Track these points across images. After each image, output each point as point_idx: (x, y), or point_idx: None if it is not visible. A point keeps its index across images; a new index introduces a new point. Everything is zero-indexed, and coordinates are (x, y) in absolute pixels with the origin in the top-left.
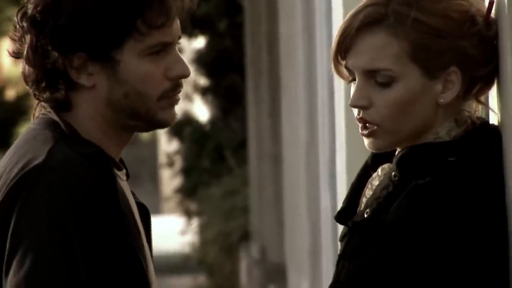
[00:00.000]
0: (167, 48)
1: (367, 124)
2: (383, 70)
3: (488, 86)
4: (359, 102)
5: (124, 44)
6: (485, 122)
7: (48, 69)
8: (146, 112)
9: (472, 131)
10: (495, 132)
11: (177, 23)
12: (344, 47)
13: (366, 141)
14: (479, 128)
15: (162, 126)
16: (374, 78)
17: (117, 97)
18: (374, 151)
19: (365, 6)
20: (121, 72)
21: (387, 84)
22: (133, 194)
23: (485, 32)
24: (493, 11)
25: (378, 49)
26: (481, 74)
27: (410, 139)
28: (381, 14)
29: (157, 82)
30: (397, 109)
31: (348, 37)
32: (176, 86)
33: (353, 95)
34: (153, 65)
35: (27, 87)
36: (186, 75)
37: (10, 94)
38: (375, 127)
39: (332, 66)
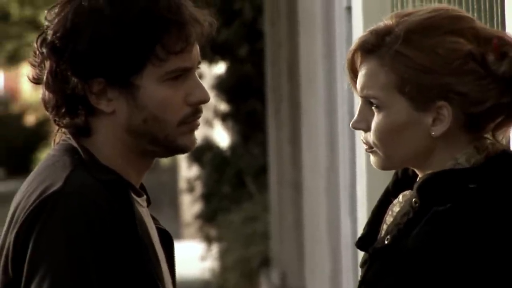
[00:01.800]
0: (186, 73)
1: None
2: (372, 97)
3: (508, 122)
4: (358, 125)
5: (143, 70)
6: (505, 149)
7: (68, 95)
8: (165, 137)
9: (492, 158)
10: None
11: (196, 49)
12: (351, 69)
13: (370, 157)
14: (499, 155)
15: (181, 151)
16: (371, 102)
17: (137, 123)
18: (378, 169)
19: (368, 33)
20: (141, 97)
21: (378, 109)
22: (155, 220)
23: (486, 70)
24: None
25: (369, 76)
26: (478, 111)
27: (411, 164)
28: (373, 45)
29: (176, 107)
30: (385, 135)
31: (351, 60)
32: (196, 112)
33: (354, 118)
34: (173, 90)
35: (47, 113)
36: (205, 100)
37: (30, 119)
38: (373, 148)
39: (350, 81)
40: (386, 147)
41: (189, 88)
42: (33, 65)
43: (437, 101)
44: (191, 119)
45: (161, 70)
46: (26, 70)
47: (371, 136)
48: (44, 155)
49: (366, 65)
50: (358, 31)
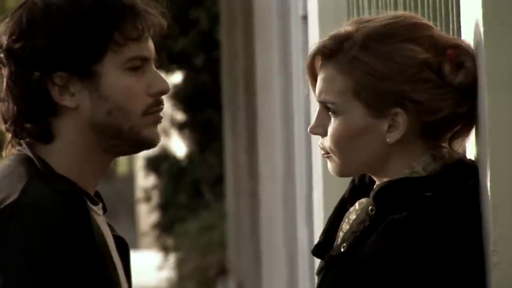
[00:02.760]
0: (145, 64)
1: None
2: (329, 103)
3: (465, 131)
4: (315, 130)
5: (104, 57)
6: (461, 157)
7: (30, 96)
8: (130, 129)
9: (448, 166)
10: (471, 168)
11: (151, 42)
12: (311, 74)
13: (327, 163)
14: (456, 163)
15: (146, 145)
16: (329, 108)
17: (101, 116)
18: (334, 175)
19: (328, 38)
20: (103, 87)
21: (335, 115)
22: (111, 227)
23: (442, 79)
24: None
25: (327, 81)
26: (434, 119)
27: (368, 170)
28: (332, 50)
29: (139, 97)
30: (341, 140)
31: (311, 65)
32: (158, 103)
33: (312, 123)
34: (134, 80)
35: (3, 128)
36: (166, 90)
37: None
38: (330, 153)
39: (310, 86)
40: (342, 152)
41: (150, 79)
42: None
43: (393, 108)
44: (154, 110)
45: (121, 57)
46: None
47: (327, 142)
48: None
49: (324, 70)
50: (314, 40)
